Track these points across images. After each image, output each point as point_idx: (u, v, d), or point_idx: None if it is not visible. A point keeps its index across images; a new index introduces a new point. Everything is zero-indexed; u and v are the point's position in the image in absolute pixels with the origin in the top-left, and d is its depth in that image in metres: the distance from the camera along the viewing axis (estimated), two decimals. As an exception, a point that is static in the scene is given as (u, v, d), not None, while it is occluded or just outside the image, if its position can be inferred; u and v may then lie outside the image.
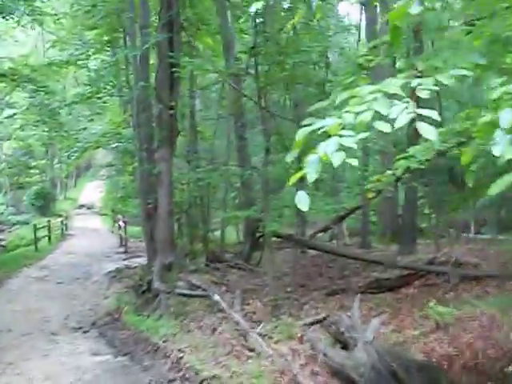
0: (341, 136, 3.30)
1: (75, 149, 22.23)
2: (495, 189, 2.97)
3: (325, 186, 17.93)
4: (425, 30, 11.01)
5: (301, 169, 3.40)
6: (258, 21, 12.52)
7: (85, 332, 11.36)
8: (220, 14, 17.74)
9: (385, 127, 3.24)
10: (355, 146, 3.21)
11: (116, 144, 21.05)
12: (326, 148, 3.27)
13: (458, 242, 17.81)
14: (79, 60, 22.50)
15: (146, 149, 15.84)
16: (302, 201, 3.38)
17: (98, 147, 24.43)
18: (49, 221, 31.41)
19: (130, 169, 21.86)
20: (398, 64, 5.51)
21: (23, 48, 39.26)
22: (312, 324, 9.69)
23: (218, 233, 21.01)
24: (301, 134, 3.68)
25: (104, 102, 23.51)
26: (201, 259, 16.85)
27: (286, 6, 15.46)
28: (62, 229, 34.43)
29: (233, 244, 20.96)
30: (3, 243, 31.09)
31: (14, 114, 35.36)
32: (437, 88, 3.32)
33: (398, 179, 7.77)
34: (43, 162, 51.89)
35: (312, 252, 17.85)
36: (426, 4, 3.77)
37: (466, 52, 4.16)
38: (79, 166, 62.49)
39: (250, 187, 17.79)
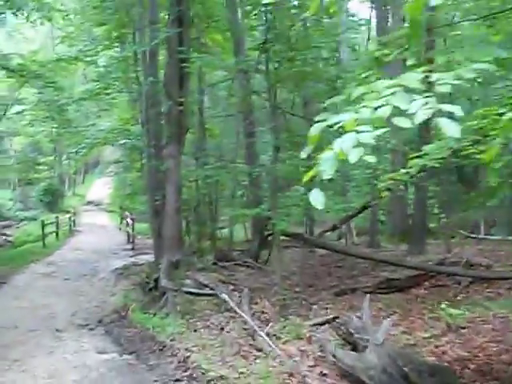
0: (358, 132, 3.16)
1: (83, 145, 22.14)
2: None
3: (334, 184, 17.77)
4: (436, 26, 10.84)
5: (314, 166, 3.27)
6: (268, 16, 12.39)
7: (91, 329, 11.25)
8: (230, 10, 17.58)
9: (404, 123, 3.10)
10: (373, 142, 3.07)
11: (124, 140, 20.96)
12: (343, 144, 3.14)
13: (468, 242, 17.67)
14: (88, 56, 22.42)
15: (154, 145, 15.74)
16: (317, 199, 3.25)
17: (105, 144, 24.36)
18: (57, 217, 31.38)
19: (138, 165, 21.77)
20: (410, 60, 5.41)
21: (32, 44, 39.23)
22: (321, 324, 9.56)
23: (225, 230, 20.93)
24: (315, 130, 3.56)
25: (112, 99, 23.42)
26: (208, 257, 16.75)
27: (295, 2, 15.29)
28: (70, 225, 34.40)
29: (240, 242, 20.85)
30: (11, 239, 31.08)
31: (23, 111, 35.43)
32: (458, 82, 3.17)
33: (411, 178, 7.62)
34: (51, 158, 52.01)
35: (320, 251, 17.71)
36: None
37: (485, 46, 4.02)
38: (87, 162, 62.64)
39: (258, 185, 17.66)
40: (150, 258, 18.32)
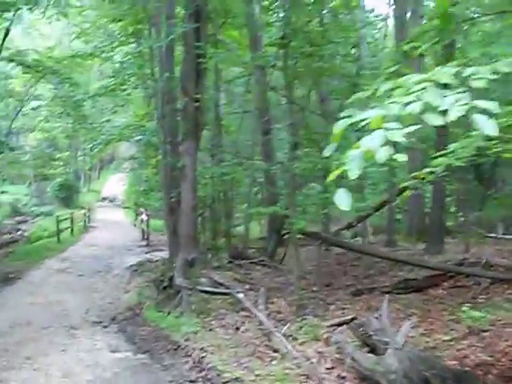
0: (386, 129, 2.99)
1: (99, 141, 22.08)
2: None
3: (349, 182, 17.56)
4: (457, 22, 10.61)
5: (339, 164, 3.11)
6: (286, 12, 12.21)
7: (104, 327, 11.12)
8: (247, 6, 17.40)
9: (435, 120, 2.93)
10: (404, 141, 2.90)
11: (139, 137, 20.86)
12: (371, 142, 2.97)
13: (485, 241, 17.45)
14: (103, 52, 22.34)
15: (170, 142, 15.61)
16: (343, 200, 3.08)
17: (121, 140, 24.30)
18: (72, 213, 31.41)
19: (154, 162, 21.68)
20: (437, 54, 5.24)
21: (48, 41, 39.29)
22: (338, 325, 9.39)
23: (240, 228, 20.79)
24: (339, 127, 3.40)
25: (128, 95, 23.32)
26: (223, 255, 16.60)
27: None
28: (85, 221, 34.44)
29: (255, 239, 20.71)
30: (26, 234, 31.14)
31: (39, 106, 35.53)
32: (495, 77, 3.00)
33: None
34: (67, 153, 52.19)
35: (336, 249, 17.54)
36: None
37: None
38: (103, 158, 62.86)
39: (273, 183, 17.51)
40: (165, 254, 18.21)
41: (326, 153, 3.61)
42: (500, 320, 8.70)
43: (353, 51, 16.39)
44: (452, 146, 4.91)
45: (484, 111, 2.86)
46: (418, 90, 3.09)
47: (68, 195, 45.18)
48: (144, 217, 28.30)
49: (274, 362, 7.94)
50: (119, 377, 7.96)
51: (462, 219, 20.00)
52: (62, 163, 53.28)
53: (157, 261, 18.31)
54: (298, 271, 11.50)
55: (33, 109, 38.23)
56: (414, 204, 21.22)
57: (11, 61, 26.58)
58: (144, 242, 26.28)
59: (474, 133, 4.22)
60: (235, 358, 8.10)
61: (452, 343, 8.07)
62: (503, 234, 20.31)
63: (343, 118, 3.49)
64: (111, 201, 52.74)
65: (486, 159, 9.89)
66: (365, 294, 11.95)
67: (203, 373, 7.71)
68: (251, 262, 15.66)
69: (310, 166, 12.15)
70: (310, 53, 11.63)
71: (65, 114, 30.55)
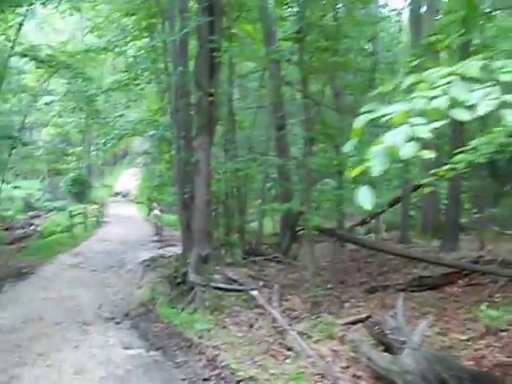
0: (412, 125, 2.88)
1: (112, 136, 22.04)
2: None
3: (364, 178, 17.42)
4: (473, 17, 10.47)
5: (364, 161, 2.99)
6: (300, 5, 12.07)
7: (117, 323, 11.04)
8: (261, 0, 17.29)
9: (463, 115, 2.81)
10: (430, 136, 2.78)
11: (153, 132, 20.78)
12: (395, 138, 2.85)
13: (501, 239, 17.27)
14: (117, 47, 22.29)
15: (183, 137, 15.52)
16: (366, 198, 2.96)
17: (134, 135, 24.25)
18: (84, 208, 31.41)
19: (167, 157, 21.61)
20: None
21: (61, 36, 39.33)
22: (353, 323, 9.31)
23: (254, 224, 20.69)
24: (360, 122, 3.28)
25: (141, 89, 23.28)
26: (237, 251, 16.52)
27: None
28: (98, 216, 34.42)
29: (268, 235, 20.62)
30: (39, 229, 31.18)
31: (52, 101, 35.55)
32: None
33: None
34: (80, 148, 52.24)
35: (349, 246, 17.44)
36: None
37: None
38: (116, 153, 62.89)
39: (288, 178, 17.40)
40: (178, 250, 18.16)
41: (346, 148, 3.51)
42: (518, 319, 8.57)
43: (368, 46, 16.21)
44: (474, 142, 4.79)
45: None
46: (444, 84, 2.97)
47: (81, 190, 45.19)
48: (157, 212, 28.26)
49: (288, 361, 7.86)
50: (132, 374, 7.87)
51: (477, 216, 19.82)
52: (74, 158, 53.38)
53: (170, 256, 18.23)
54: (313, 268, 11.40)
55: (46, 104, 38.25)
56: (429, 200, 21.05)
57: (24, 56, 26.58)
58: (157, 237, 26.21)
59: (496, 129, 4.10)
60: (249, 356, 8.02)
61: (469, 343, 7.96)
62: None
63: (364, 112, 3.38)
64: (124, 196, 52.70)
65: (502, 155, 9.75)
66: (379, 292, 11.86)
67: (217, 371, 7.62)
68: (265, 259, 15.58)
69: (326, 161, 12.05)
70: (326, 47, 11.49)
71: (78, 108, 30.58)
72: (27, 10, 23.23)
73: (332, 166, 12.67)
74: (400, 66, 16.75)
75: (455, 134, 14.95)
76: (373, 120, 3.30)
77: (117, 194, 54.39)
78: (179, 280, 13.12)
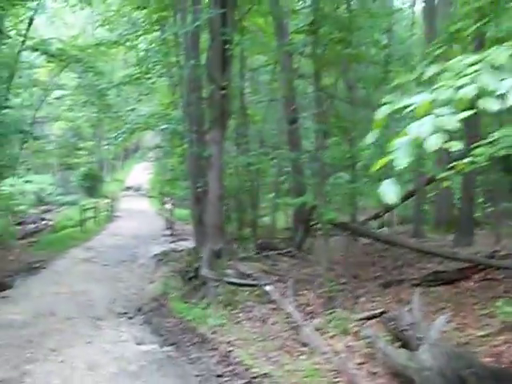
0: (437, 115, 2.76)
1: (123, 130, 21.99)
2: None
3: (377, 172, 17.25)
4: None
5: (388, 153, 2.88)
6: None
7: (130, 318, 10.99)
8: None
9: (492, 105, 2.69)
10: (457, 127, 2.67)
11: (165, 126, 20.70)
12: (420, 129, 2.74)
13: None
14: (128, 40, 22.24)
15: (196, 131, 15.42)
16: (390, 191, 2.85)
17: (146, 129, 24.19)
18: (96, 202, 31.41)
19: (179, 151, 21.53)
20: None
21: (72, 30, 39.32)
22: (368, 319, 9.18)
23: (266, 218, 20.60)
24: (382, 113, 3.18)
25: (153, 83, 23.22)
26: (249, 245, 16.43)
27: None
28: (109, 210, 34.43)
29: (281, 230, 20.51)
30: (51, 224, 31.22)
31: (63, 96, 35.60)
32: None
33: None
34: (91, 143, 52.34)
35: (362, 240, 17.31)
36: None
37: None
38: (127, 147, 62.94)
39: (301, 172, 17.27)
40: (189, 244, 18.15)
41: (367, 140, 3.42)
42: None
43: (383, 38, 16.04)
44: (495, 135, 4.67)
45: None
46: (471, 73, 2.85)
47: (92, 185, 45.25)
48: (169, 206, 28.24)
49: (302, 357, 7.77)
50: (145, 370, 7.80)
51: (490, 210, 19.66)
52: (86, 152, 53.48)
53: (182, 250, 18.19)
54: (327, 263, 11.29)
55: (57, 98, 38.30)
56: (443, 194, 20.88)
57: (35, 50, 26.58)
58: (168, 232, 26.19)
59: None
60: (263, 352, 7.94)
61: (486, 339, 7.81)
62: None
63: (385, 104, 3.28)
64: (136, 190, 52.77)
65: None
66: (393, 286, 11.70)
67: (230, 367, 7.53)
68: (279, 253, 15.47)
69: (340, 155, 11.92)
70: (339, 39, 11.32)
71: (89, 102, 30.59)
72: (38, 4, 23.21)
73: (345, 160, 12.54)
74: (414, 58, 16.64)
75: (469, 126, 14.75)
76: (394, 111, 3.21)
77: (128, 188, 54.49)
78: (192, 275, 13.06)
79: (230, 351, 8.04)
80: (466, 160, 4.93)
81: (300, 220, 16.81)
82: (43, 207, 40.01)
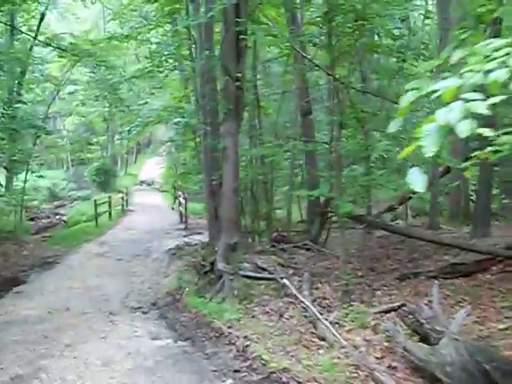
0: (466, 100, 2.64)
1: (136, 123, 21.98)
2: None
3: (391, 162, 17.13)
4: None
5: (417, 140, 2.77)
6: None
7: (144, 313, 10.89)
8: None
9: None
10: (488, 113, 2.55)
11: (177, 119, 20.65)
12: (448, 115, 2.62)
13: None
14: (140, 34, 22.20)
15: (210, 123, 15.32)
16: (418, 180, 2.74)
17: (158, 122, 24.18)
18: (109, 196, 31.41)
19: (192, 144, 21.49)
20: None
21: (84, 25, 39.38)
22: (386, 312, 9.06)
23: (280, 211, 20.49)
24: (407, 100, 3.06)
25: (165, 76, 23.18)
26: (264, 239, 16.33)
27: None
28: (123, 205, 34.44)
29: (294, 223, 20.40)
30: (64, 218, 31.32)
31: (76, 91, 35.75)
32: None
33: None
34: (104, 138, 52.49)
35: (377, 232, 17.18)
36: None
37: None
38: (139, 142, 63.09)
39: (315, 164, 17.14)
40: (203, 237, 18.08)
41: (392, 128, 3.31)
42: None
43: (400, 26, 15.85)
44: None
45: None
46: (502, 56, 2.73)
47: (105, 179, 45.29)
48: (182, 200, 28.20)
49: (321, 351, 7.66)
50: (161, 365, 7.70)
51: (506, 202, 19.49)
52: (98, 147, 53.65)
53: (195, 244, 18.09)
54: (344, 255, 11.16)
55: (69, 93, 38.43)
56: (457, 186, 20.66)
57: (48, 45, 26.65)
58: (182, 226, 26.14)
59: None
60: (281, 347, 7.83)
61: (508, 332, 7.68)
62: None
63: (411, 90, 3.16)
64: (149, 184, 52.84)
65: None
66: (410, 279, 11.55)
67: (248, 362, 7.42)
68: (294, 246, 15.36)
69: (356, 146, 11.79)
70: (356, 28, 11.13)
71: (101, 97, 30.65)
72: (49, -1, 23.25)
73: (361, 151, 12.41)
74: (427, 49, 16.42)
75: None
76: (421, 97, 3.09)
77: (141, 182, 54.57)
78: (207, 269, 12.96)
79: (246, 346, 7.91)
80: (489, 149, 4.78)
81: (316, 213, 16.68)
82: (56, 202, 40.27)
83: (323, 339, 8.04)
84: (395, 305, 9.21)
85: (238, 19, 13.34)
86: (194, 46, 17.51)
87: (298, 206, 22.51)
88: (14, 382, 7.18)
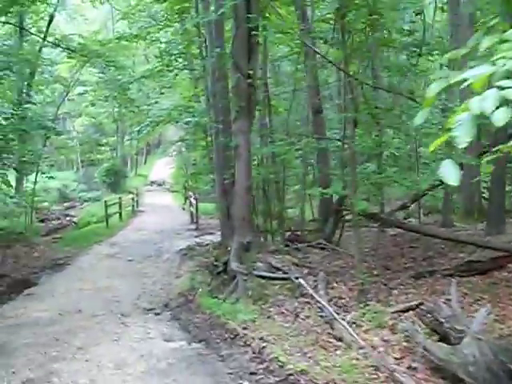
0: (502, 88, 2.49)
1: (146, 123, 21.90)
2: None
3: (403, 160, 16.95)
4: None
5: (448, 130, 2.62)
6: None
7: (156, 314, 10.76)
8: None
9: None
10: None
11: (188, 119, 20.56)
12: (484, 103, 2.47)
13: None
14: (149, 33, 22.14)
15: (221, 121, 15.19)
16: (451, 174, 2.58)
17: (169, 122, 24.07)
18: (119, 197, 31.36)
19: (203, 144, 21.40)
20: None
21: (93, 26, 39.43)
22: (404, 311, 8.89)
23: (292, 210, 20.35)
24: (434, 89, 2.91)
25: (175, 75, 23.10)
26: (277, 238, 16.19)
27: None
28: (133, 205, 34.38)
29: (307, 222, 20.25)
30: (75, 220, 31.30)
31: (85, 92, 35.77)
32: None
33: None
34: (113, 138, 52.52)
35: (390, 231, 17.03)
36: None
37: None
38: (149, 143, 63.12)
39: (326, 162, 16.98)
40: (214, 238, 17.96)
41: (417, 121, 3.16)
42: None
43: (415, 20, 15.68)
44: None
45: None
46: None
47: (115, 180, 45.21)
48: (192, 200, 28.11)
49: (338, 352, 7.51)
50: (174, 368, 7.56)
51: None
52: (108, 148, 53.68)
53: (207, 244, 17.98)
54: (359, 254, 11.00)
55: (79, 94, 38.44)
56: (468, 183, 20.46)
57: (57, 46, 26.65)
58: (193, 226, 26.03)
59: None
60: (297, 348, 7.68)
61: (529, 331, 7.52)
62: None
63: (437, 79, 3.01)
64: (159, 185, 52.80)
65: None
66: (426, 277, 11.38)
67: (264, 364, 7.26)
68: (308, 245, 15.20)
69: (370, 143, 11.64)
70: (369, 23, 10.98)
71: (111, 97, 30.60)
72: (58, 0, 23.19)
73: (374, 148, 12.27)
74: (439, 44, 16.26)
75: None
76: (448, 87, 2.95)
77: (152, 183, 54.55)
78: (220, 269, 12.82)
79: (263, 347, 7.76)
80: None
81: (330, 211, 16.52)
82: (66, 203, 40.29)
83: (340, 340, 7.90)
84: (413, 304, 9.05)
85: (249, 15, 13.19)
86: (204, 44, 17.39)
87: (309, 204, 22.36)
88: (26, 386, 7.08)
